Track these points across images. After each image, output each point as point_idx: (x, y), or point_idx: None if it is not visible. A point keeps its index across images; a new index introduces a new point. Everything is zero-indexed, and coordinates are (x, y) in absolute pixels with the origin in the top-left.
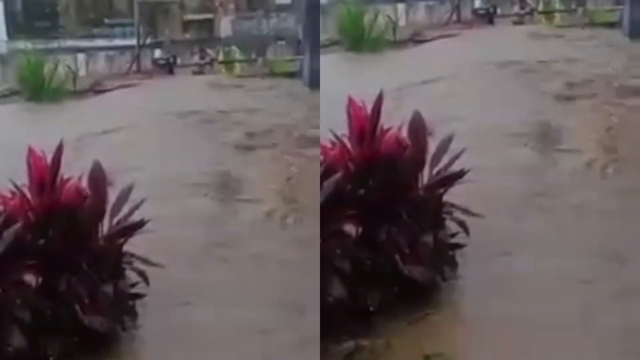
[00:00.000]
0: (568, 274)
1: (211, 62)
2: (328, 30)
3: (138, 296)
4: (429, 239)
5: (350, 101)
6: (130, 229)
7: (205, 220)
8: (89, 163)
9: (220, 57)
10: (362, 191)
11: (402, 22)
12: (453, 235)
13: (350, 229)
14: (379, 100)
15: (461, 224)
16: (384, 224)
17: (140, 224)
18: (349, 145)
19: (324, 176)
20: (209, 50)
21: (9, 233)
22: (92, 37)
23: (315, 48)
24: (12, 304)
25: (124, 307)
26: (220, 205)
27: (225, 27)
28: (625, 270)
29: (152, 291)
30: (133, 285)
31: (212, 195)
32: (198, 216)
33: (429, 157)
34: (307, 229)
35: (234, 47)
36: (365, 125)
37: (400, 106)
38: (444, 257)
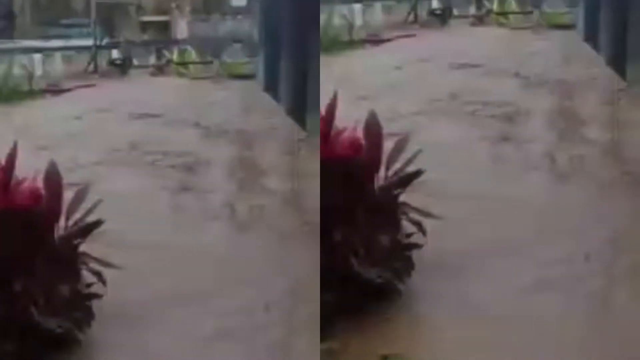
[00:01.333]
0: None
1: (167, 64)
2: None
3: (94, 296)
4: (385, 239)
5: None
6: (87, 230)
7: None
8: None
9: (177, 59)
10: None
11: (358, 22)
12: (409, 236)
13: None
14: (334, 101)
15: (417, 224)
16: (339, 225)
17: (96, 224)
18: None
19: None
20: (165, 52)
21: None
22: (49, 37)
23: (272, 50)
24: None
25: (80, 307)
26: None
27: (181, 28)
28: None
29: None
30: (89, 285)
31: None
32: None
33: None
34: None
35: (188, 48)
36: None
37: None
38: (400, 257)
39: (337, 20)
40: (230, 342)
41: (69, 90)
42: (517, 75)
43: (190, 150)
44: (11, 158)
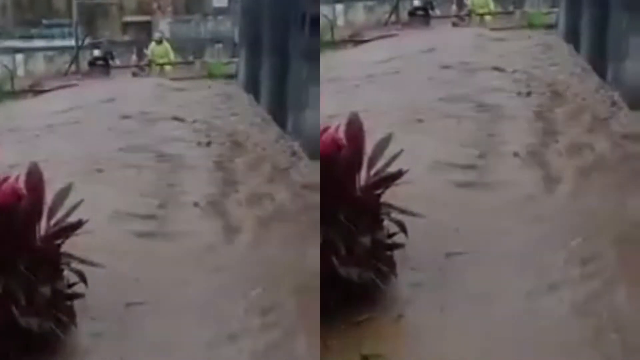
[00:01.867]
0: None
1: (149, 64)
2: None
3: (76, 296)
4: (366, 239)
5: None
6: (68, 230)
7: None
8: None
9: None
10: None
11: (340, 22)
12: (391, 236)
13: None
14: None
15: (399, 224)
16: (321, 226)
17: (77, 225)
18: None
19: None
20: (146, 52)
21: None
22: (31, 37)
23: (252, 51)
24: None
25: (61, 307)
26: None
27: (163, 29)
28: None
29: None
30: (71, 285)
31: None
32: None
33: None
34: None
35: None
36: None
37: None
38: (382, 257)
39: None
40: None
41: (50, 90)
42: (493, 72)
43: (166, 150)
44: None
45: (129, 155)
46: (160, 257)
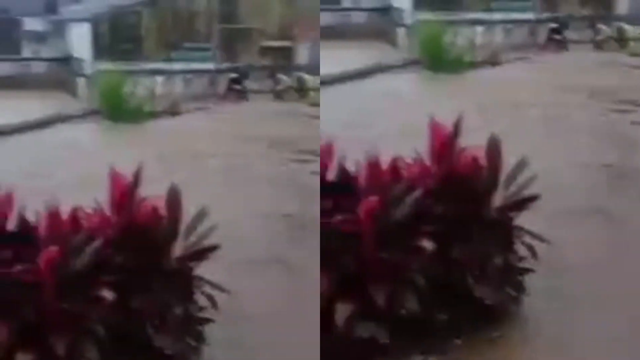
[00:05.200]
0: None
1: (287, 89)
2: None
3: (207, 321)
4: (499, 260)
5: (432, 120)
6: (202, 253)
7: None
8: None
9: (295, 84)
10: (439, 209)
11: (479, 43)
12: (521, 259)
13: (427, 245)
14: (459, 121)
15: (530, 248)
16: (457, 243)
17: (212, 248)
18: (428, 163)
19: (406, 192)
20: (283, 77)
21: (90, 249)
22: (171, 60)
23: None
24: (89, 319)
25: (192, 330)
26: None
27: (302, 54)
28: None
29: None
30: (201, 309)
31: None
32: None
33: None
34: None
35: (305, 75)
36: (444, 144)
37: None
38: (512, 280)
39: (460, 41)
40: None
41: (187, 112)
42: (621, 101)
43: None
44: (137, 176)
45: None
46: None
